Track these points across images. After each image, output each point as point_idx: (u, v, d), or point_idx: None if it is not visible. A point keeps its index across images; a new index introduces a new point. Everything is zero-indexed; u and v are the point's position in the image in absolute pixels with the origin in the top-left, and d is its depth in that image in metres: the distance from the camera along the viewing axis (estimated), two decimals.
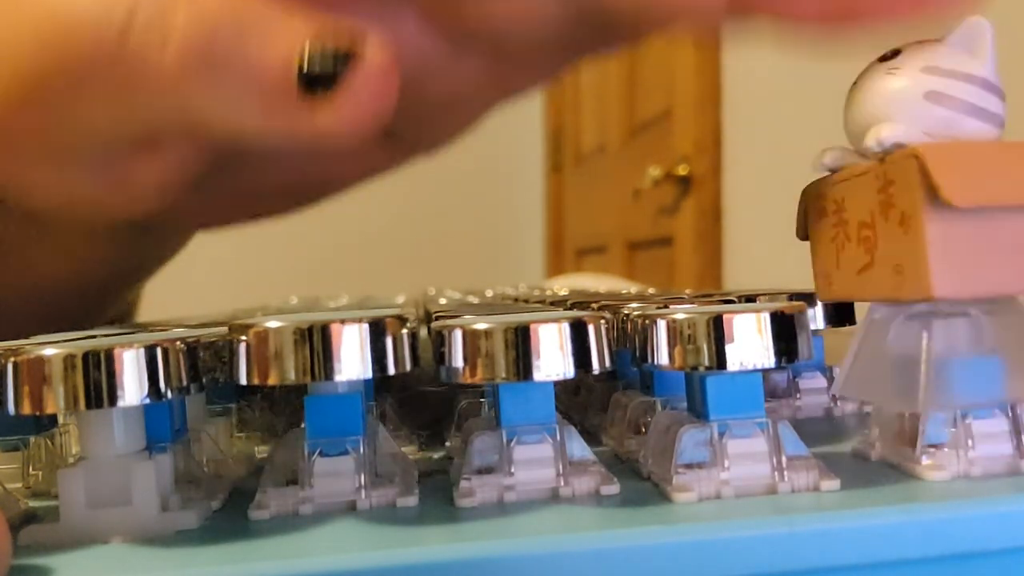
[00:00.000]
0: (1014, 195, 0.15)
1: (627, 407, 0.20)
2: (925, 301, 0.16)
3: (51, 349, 0.15)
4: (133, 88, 0.18)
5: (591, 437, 0.21)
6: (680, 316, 0.16)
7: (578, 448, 0.17)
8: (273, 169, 0.25)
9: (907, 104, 0.16)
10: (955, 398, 0.16)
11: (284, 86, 0.17)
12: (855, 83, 0.17)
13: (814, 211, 0.19)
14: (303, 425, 0.17)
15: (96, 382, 0.15)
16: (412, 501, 0.16)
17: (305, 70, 0.17)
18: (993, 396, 0.16)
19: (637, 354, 0.17)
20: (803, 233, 0.19)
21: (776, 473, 0.16)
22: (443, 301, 0.36)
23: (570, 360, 0.16)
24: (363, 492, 0.16)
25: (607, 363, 0.16)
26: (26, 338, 0.18)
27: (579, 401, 0.24)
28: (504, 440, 0.17)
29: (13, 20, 0.18)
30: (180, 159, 0.21)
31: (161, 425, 0.17)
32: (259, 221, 0.28)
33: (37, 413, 0.15)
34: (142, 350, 0.15)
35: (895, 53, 0.17)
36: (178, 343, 0.16)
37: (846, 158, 0.18)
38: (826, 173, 0.18)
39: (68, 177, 0.20)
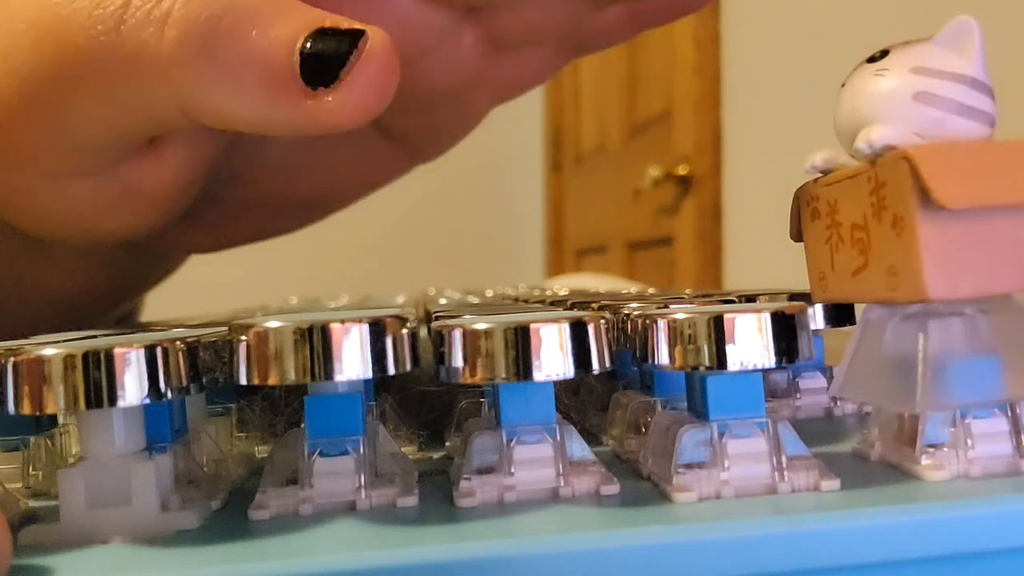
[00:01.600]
0: (1006, 194, 0.15)
1: (627, 407, 0.20)
2: (920, 302, 0.16)
3: (51, 349, 0.15)
4: (131, 78, 0.18)
5: (591, 437, 0.21)
6: (680, 316, 0.16)
7: (578, 448, 0.17)
8: (272, 183, 0.25)
9: (896, 105, 0.16)
10: (953, 398, 0.16)
11: (287, 72, 0.17)
12: (843, 85, 0.17)
13: (807, 213, 0.19)
14: (303, 425, 0.17)
15: (96, 382, 0.15)
16: (412, 501, 0.16)
17: (308, 54, 0.17)
18: (991, 395, 0.16)
19: (637, 354, 0.17)
20: (796, 235, 0.19)
21: (776, 473, 0.16)
22: (443, 301, 0.36)
23: (570, 360, 0.16)
24: (363, 492, 0.16)
25: (607, 363, 0.16)
26: (26, 338, 0.17)
27: (579, 401, 0.24)
28: (504, 440, 0.17)
29: (8, 18, 0.18)
30: (180, 166, 0.21)
31: (161, 425, 0.17)
32: (260, 240, 0.28)
33: (37, 413, 0.15)
34: (142, 350, 0.15)
35: (883, 54, 0.17)
36: (178, 343, 0.16)
37: (837, 159, 0.18)
38: (817, 174, 0.18)
39: (68, 188, 0.20)
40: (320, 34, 0.17)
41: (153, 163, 0.20)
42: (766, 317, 0.16)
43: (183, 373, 0.16)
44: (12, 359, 0.15)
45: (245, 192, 0.25)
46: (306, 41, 0.17)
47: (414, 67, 0.22)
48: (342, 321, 0.15)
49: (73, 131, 0.19)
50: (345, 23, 0.17)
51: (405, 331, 0.16)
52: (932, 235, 0.15)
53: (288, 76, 0.17)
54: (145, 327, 0.22)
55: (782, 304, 0.17)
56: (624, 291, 0.38)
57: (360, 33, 0.17)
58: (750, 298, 0.20)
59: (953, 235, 0.15)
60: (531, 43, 0.23)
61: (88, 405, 0.15)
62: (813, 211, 0.18)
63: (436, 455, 0.21)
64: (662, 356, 0.16)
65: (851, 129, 0.17)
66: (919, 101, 0.16)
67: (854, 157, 0.17)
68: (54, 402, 0.15)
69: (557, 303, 0.26)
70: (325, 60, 0.17)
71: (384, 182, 0.27)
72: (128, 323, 0.35)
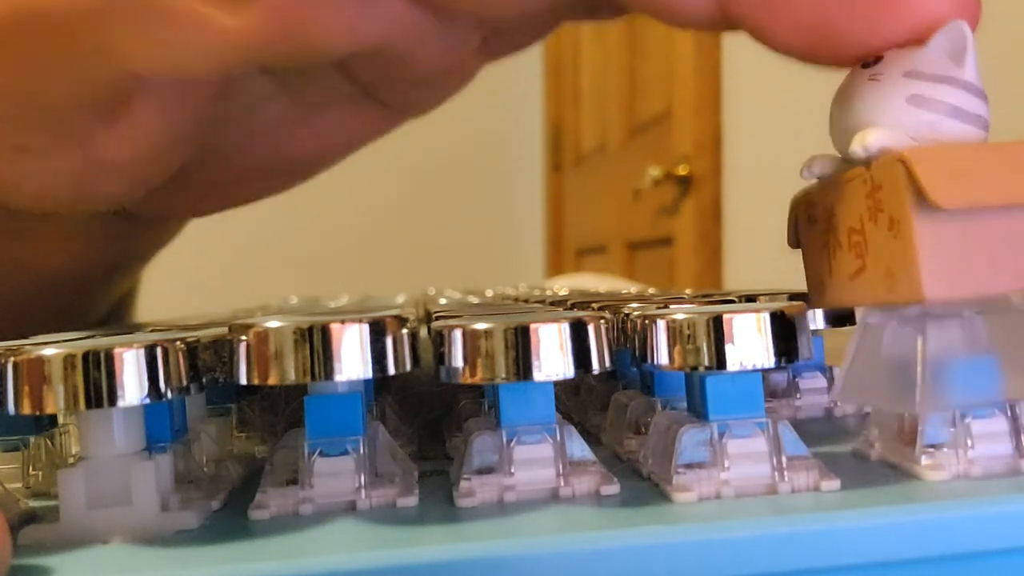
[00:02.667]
0: (1000, 195, 0.15)
1: (627, 407, 0.20)
2: (917, 303, 0.16)
3: (51, 349, 0.15)
4: (63, 42, 0.18)
5: (591, 437, 0.21)
6: (680, 316, 0.16)
7: (578, 448, 0.17)
8: (262, 149, 0.25)
9: (891, 109, 0.16)
10: (952, 399, 0.16)
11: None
12: (839, 90, 0.17)
13: (804, 219, 0.19)
14: (303, 425, 0.17)
15: (96, 382, 0.15)
16: (412, 501, 0.16)
17: None
18: (990, 396, 0.16)
19: (637, 354, 0.17)
20: (794, 241, 0.19)
21: (776, 473, 0.16)
22: (443, 301, 0.36)
23: (570, 360, 0.16)
24: (363, 492, 0.16)
25: (607, 363, 0.16)
26: (24, 336, 0.18)
27: (579, 401, 0.24)
28: (504, 440, 0.17)
29: None
30: (148, 136, 0.21)
31: (161, 425, 0.17)
32: (251, 201, 0.28)
33: (37, 413, 0.15)
34: (142, 350, 0.15)
35: (877, 59, 0.17)
36: (178, 343, 0.16)
37: (833, 165, 0.18)
38: (814, 180, 0.18)
39: (38, 161, 0.20)
40: None
41: (119, 134, 0.20)
42: (766, 317, 0.16)
43: (183, 373, 0.16)
44: (12, 359, 0.15)
45: (235, 159, 0.25)
46: None
47: (404, 56, 0.22)
48: (342, 321, 0.15)
49: (28, 99, 0.19)
50: None
51: (405, 331, 0.16)
52: (929, 236, 0.15)
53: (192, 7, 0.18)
54: (145, 327, 0.22)
55: (782, 304, 0.17)
56: (624, 291, 0.38)
57: None
58: (750, 298, 0.20)
59: (950, 236, 0.15)
60: (522, 22, 0.23)
61: (88, 405, 0.15)
62: (810, 217, 0.18)
63: (436, 455, 0.21)
64: (662, 356, 0.16)
65: (846, 133, 0.17)
66: (913, 104, 0.16)
67: (849, 161, 0.17)
68: (54, 402, 0.15)
69: (557, 303, 0.26)
70: None
71: (372, 140, 0.26)
72: (127, 305, 0.35)
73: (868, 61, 0.17)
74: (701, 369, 0.16)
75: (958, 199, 0.15)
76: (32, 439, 0.20)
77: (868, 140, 0.16)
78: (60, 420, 0.21)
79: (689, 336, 0.16)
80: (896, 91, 0.16)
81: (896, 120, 0.16)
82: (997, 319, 0.16)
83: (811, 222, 0.18)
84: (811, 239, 0.18)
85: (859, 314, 0.18)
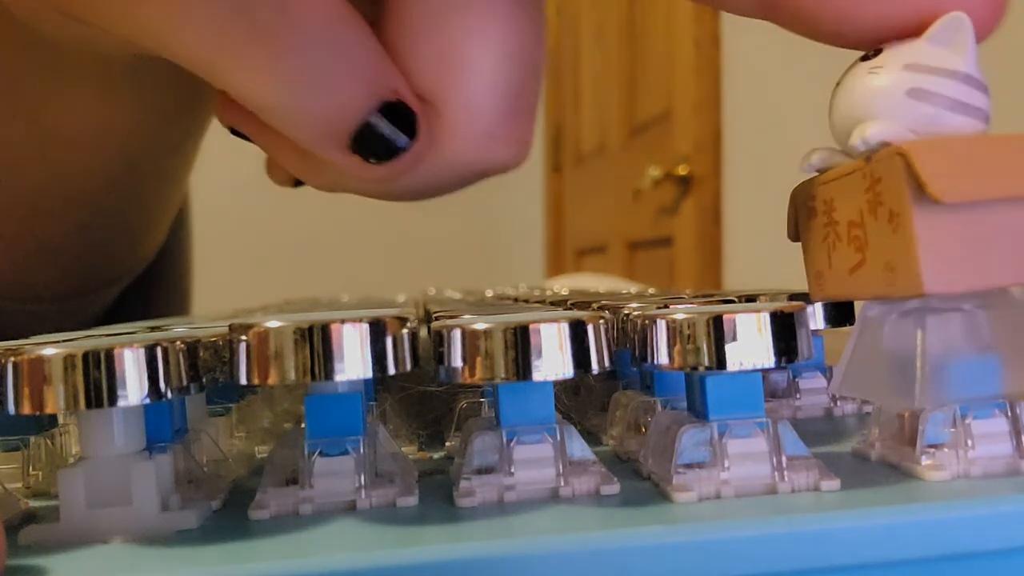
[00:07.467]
0: (1000, 188, 0.15)
1: (627, 407, 0.20)
2: (917, 297, 0.16)
3: (51, 349, 0.15)
4: None
5: (591, 437, 0.21)
6: (680, 316, 0.16)
7: (578, 448, 0.17)
8: None
9: (890, 102, 0.16)
10: (952, 394, 0.16)
11: (337, 133, 0.16)
12: (838, 83, 0.17)
13: (804, 212, 0.19)
14: (303, 425, 0.17)
15: (96, 382, 0.15)
16: (412, 501, 0.16)
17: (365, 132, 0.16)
18: (990, 391, 0.16)
19: (637, 354, 0.17)
20: (794, 234, 0.19)
21: (776, 473, 0.16)
22: (443, 301, 0.36)
23: (569, 360, 0.16)
24: (363, 492, 0.16)
25: (607, 363, 0.16)
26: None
27: (579, 401, 0.24)
28: (504, 440, 0.17)
29: None
30: None
31: (161, 425, 0.17)
32: None
33: (37, 413, 0.15)
34: (142, 350, 0.15)
35: (876, 52, 0.17)
36: (178, 343, 0.16)
37: (833, 158, 0.18)
38: (814, 174, 0.18)
39: None
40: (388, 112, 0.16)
41: None
42: (766, 317, 0.16)
43: (183, 373, 0.16)
44: (12, 359, 0.15)
45: None
46: (372, 112, 0.16)
47: None
48: (342, 321, 0.15)
49: None
50: (413, 99, 0.16)
51: (405, 331, 0.16)
52: (928, 230, 0.15)
53: (337, 135, 0.16)
54: (145, 327, 0.22)
55: (782, 304, 0.17)
56: (624, 291, 0.38)
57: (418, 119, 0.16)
58: (750, 298, 0.20)
59: (949, 229, 0.15)
60: None
61: (88, 405, 0.15)
62: (810, 210, 0.18)
63: (436, 455, 0.21)
64: (662, 356, 0.16)
65: (846, 127, 0.17)
66: (913, 97, 0.16)
67: (849, 155, 0.17)
68: (54, 402, 0.15)
69: (557, 303, 0.26)
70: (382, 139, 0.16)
71: None
72: (180, 227, 0.34)
73: (868, 54, 0.17)
74: (701, 369, 0.16)
75: (957, 193, 0.15)
76: (32, 439, 0.20)
77: (868, 133, 0.16)
78: (60, 420, 0.21)
79: (689, 336, 0.16)
80: (896, 84, 0.16)
81: (896, 113, 0.16)
82: (998, 313, 0.16)
83: (811, 215, 0.18)
84: (811, 232, 0.19)
85: (859, 307, 0.18)
